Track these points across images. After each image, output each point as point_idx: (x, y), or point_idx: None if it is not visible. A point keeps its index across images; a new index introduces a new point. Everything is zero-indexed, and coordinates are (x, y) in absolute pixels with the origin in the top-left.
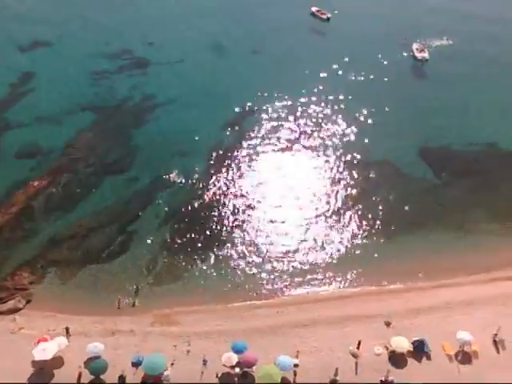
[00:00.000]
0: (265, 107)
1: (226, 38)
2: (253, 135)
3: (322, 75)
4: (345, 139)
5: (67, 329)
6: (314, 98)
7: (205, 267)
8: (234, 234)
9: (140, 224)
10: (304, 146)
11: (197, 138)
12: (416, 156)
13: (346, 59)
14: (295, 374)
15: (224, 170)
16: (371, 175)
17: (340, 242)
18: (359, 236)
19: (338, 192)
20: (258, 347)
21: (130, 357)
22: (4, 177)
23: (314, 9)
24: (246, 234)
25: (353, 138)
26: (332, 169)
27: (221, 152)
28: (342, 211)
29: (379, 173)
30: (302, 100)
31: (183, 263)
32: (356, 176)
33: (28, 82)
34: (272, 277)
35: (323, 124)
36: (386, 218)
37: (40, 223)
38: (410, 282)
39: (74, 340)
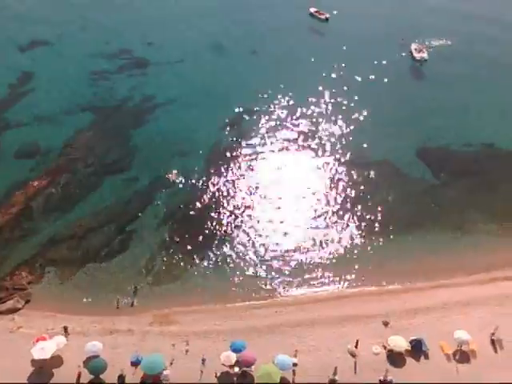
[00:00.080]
0: (264, 107)
1: (226, 38)
2: (252, 135)
3: (320, 75)
4: (343, 139)
5: (66, 328)
6: (312, 99)
7: (203, 267)
8: (232, 234)
9: (139, 224)
10: (303, 146)
11: (196, 138)
12: (415, 156)
13: (345, 59)
14: (294, 374)
15: (223, 170)
16: (370, 175)
17: (338, 243)
18: (357, 236)
19: (336, 192)
20: (257, 346)
21: (129, 356)
22: (3, 177)
23: (312, 9)
24: (244, 234)
25: (351, 138)
26: (331, 169)
27: (220, 152)
28: (340, 211)
29: (378, 173)
30: (301, 100)
31: (182, 263)
32: (354, 176)
33: (28, 81)
34: (271, 277)
35: (322, 124)
36: (384, 218)
37: (39, 223)
38: (409, 283)
39: (73, 339)
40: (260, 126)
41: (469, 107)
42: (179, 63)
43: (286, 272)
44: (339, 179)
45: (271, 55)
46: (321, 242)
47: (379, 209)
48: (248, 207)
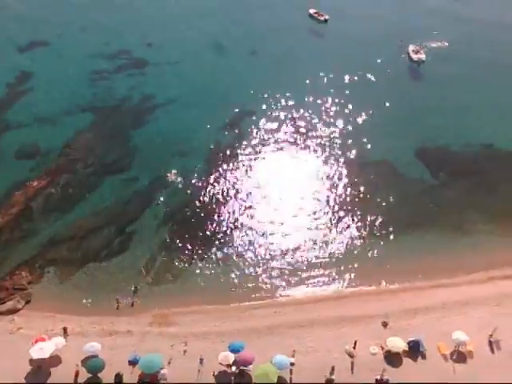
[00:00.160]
0: (264, 107)
1: (226, 38)
2: (251, 136)
3: (320, 76)
4: (342, 139)
5: (65, 329)
6: (312, 99)
7: (203, 268)
8: (232, 235)
9: (139, 224)
10: (302, 147)
11: (196, 138)
12: (413, 156)
13: (344, 60)
14: (291, 373)
15: (223, 170)
16: (369, 176)
17: (337, 243)
18: (356, 236)
19: (335, 192)
20: (256, 347)
21: (127, 356)
22: (3, 177)
23: (311, 10)
24: (244, 234)
25: (350, 138)
26: (330, 169)
27: (220, 152)
28: (339, 212)
29: (377, 173)
30: (301, 100)
31: (181, 264)
32: (354, 176)
33: (27, 82)
34: (270, 277)
35: (321, 124)
36: (383, 218)
37: (39, 223)
38: (408, 282)
39: (72, 340)
40: (259, 126)
41: (467, 108)
42: (179, 63)
43: (285, 272)
44: (338, 179)
45: (271, 55)
46: (320, 242)
47: (378, 209)
48: (247, 207)
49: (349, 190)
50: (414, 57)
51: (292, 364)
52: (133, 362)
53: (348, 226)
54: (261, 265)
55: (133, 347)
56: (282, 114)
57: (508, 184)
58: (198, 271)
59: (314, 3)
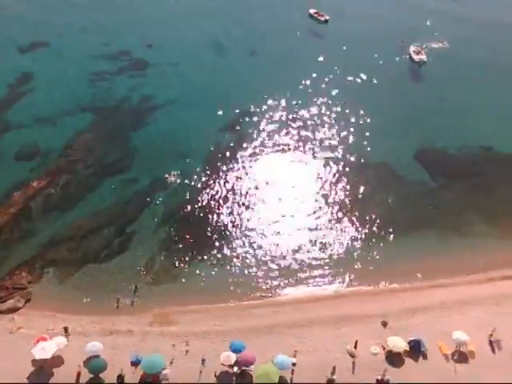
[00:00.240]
0: (264, 108)
1: (226, 39)
2: (251, 136)
3: (320, 76)
4: (342, 141)
5: (66, 328)
6: (311, 100)
7: (203, 267)
8: (231, 235)
9: (139, 225)
10: (302, 148)
11: (196, 139)
12: (413, 158)
13: (344, 61)
14: (293, 374)
15: (223, 170)
16: (368, 177)
17: (337, 243)
18: (356, 237)
19: (335, 194)
20: (256, 347)
21: (129, 356)
22: (3, 178)
23: (311, 11)
24: (243, 234)
25: (350, 139)
26: (329, 170)
27: (219, 153)
28: (338, 213)
29: (376, 175)
30: (301, 101)
31: (181, 263)
32: (353, 178)
33: (27, 82)
34: (269, 277)
35: (321, 125)
36: (382, 219)
37: (39, 224)
38: (407, 283)
39: (73, 339)
40: (259, 126)
41: (466, 108)
42: (179, 63)
43: (285, 272)
44: (338, 181)
45: (271, 56)
46: (319, 242)
47: (378, 210)
48: (247, 208)
49: (348, 191)
50: (416, 58)
51: (294, 364)
52: (135, 363)
53: (347, 227)
54: (260, 265)
55: (134, 347)
56: (282, 115)
57: (507, 186)
58: (197, 271)
59: (314, 3)
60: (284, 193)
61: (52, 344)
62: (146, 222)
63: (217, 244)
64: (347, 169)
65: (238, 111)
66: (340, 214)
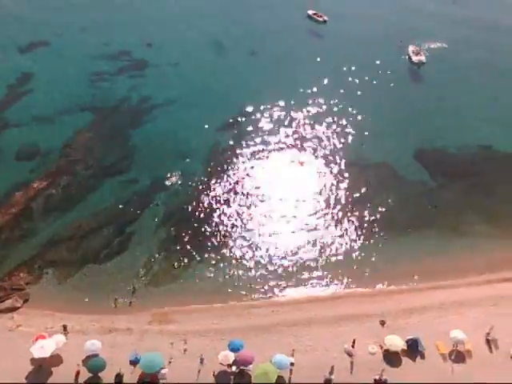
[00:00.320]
0: (263, 108)
1: (226, 39)
2: (251, 136)
3: (319, 77)
4: (342, 141)
5: (65, 326)
6: (311, 100)
7: (201, 267)
8: (230, 235)
9: (138, 225)
10: (301, 148)
11: (196, 139)
12: (412, 158)
13: (343, 61)
14: (291, 373)
15: (222, 171)
16: (367, 177)
17: (335, 244)
18: (355, 237)
19: (334, 194)
20: (254, 346)
21: (128, 355)
22: (3, 178)
23: (310, 12)
24: (242, 234)
25: (350, 139)
26: (329, 171)
27: (219, 153)
28: (338, 213)
29: (376, 175)
30: (300, 101)
31: (180, 263)
32: (352, 178)
33: (27, 82)
34: (268, 277)
35: (320, 126)
36: (381, 219)
37: (38, 224)
38: (405, 284)
39: (72, 338)
40: (259, 126)
41: (466, 109)
42: (179, 63)
43: (283, 272)
44: (337, 181)
45: (271, 56)
46: (318, 242)
47: (377, 211)
48: (246, 208)
49: (347, 191)
50: (415, 58)
51: (292, 364)
52: (133, 362)
53: (346, 228)
54: (259, 265)
55: (133, 345)
56: (282, 115)
57: (505, 186)
58: (196, 271)
59: (313, 4)
60: (283, 193)
61: (51, 342)
62: (145, 222)
63: (216, 244)
64: (346, 169)
65: (237, 111)
66: (339, 215)
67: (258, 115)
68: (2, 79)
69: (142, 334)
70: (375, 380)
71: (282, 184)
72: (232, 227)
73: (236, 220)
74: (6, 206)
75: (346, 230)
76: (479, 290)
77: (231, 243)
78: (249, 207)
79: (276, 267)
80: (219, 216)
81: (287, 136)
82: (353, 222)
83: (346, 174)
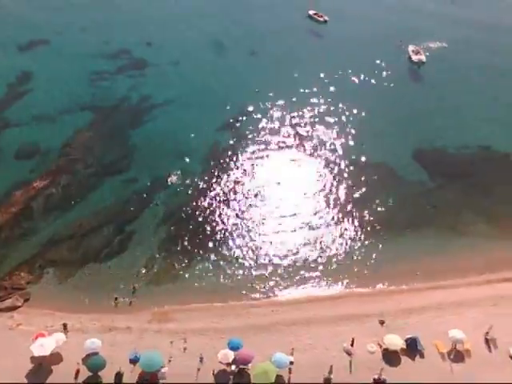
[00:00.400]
0: (263, 108)
1: (226, 39)
2: (251, 136)
3: (319, 77)
4: (341, 141)
5: (65, 325)
6: (311, 100)
7: (201, 266)
8: (230, 235)
9: (138, 224)
10: (301, 148)
11: (196, 139)
12: (411, 158)
13: (343, 61)
14: (290, 372)
15: (222, 171)
16: (367, 177)
17: (335, 243)
18: (354, 237)
19: (334, 194)
20: (253, 344)
21: (127, 353)
22: (3, 177)
23: (311, 12)
24: (242, 234)
25: (349, 139)
26: (328, 171)
27: (219, 153)
28: (337, 213)
29: (375, 175)
30: (300, 101)
31: (180, 262)
32: (351, 178)
33: (27, 81)
34: (267, 276)
35: (320, 126)
36: (381, 219)
37: (39, 223)
38: (404, 284)
39: (72, 336)
40: (259, 126)
41: (466, 109)
42: (179, 63)
43: (283, 271)
44: (337, 181)
45: (271, 56)
46: (318, 242)
47: (376, 210)
48: (246, 208)
49: (347, 191)
50: (415, 58)
51: (291, 363)
52: (133, 361)
53: (346, 227)
54: (259, 265)
55: (132, 344)
56: (282, 115)
57: (504, 186)
58: (196, 270)
59: (313, 4)
60: (283, 193)
61: (51, 341)
62: (145, 221)
63: (215, 244)
64: (346, 169)
65: (237, 111)
66: (339, 215)
67: (258, 115)
68: (2, 78)
69: (142, 333)
70: (374, 380)
71: (282, 184)
72: (232, 227)
73: (236, 219)
74: (6, 205)
75: (346, 229)
76: (478, 290)
77: (231, 243)
78: (248, 207)
79: (276, 267)
80: (219, 215)
81: (287, 136)
82: (352, 221)
83: (346, 174)
